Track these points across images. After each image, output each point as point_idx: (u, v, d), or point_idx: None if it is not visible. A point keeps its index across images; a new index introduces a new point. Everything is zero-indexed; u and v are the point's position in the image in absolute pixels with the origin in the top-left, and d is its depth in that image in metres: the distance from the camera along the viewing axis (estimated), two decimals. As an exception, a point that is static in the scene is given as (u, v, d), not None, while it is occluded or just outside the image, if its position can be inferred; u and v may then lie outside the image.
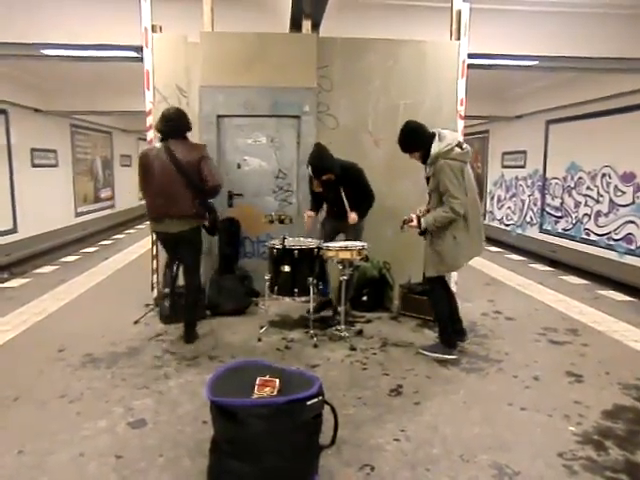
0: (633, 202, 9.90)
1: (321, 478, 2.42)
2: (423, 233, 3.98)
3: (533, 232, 13.66)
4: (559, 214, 12.44)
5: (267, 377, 2.33)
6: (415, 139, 3.95)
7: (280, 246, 4.40)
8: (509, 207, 15.19)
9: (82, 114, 14.58)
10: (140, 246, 9.17)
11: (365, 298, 5.23)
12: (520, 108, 13.57)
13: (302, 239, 4.70)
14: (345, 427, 2.78)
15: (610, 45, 7.41)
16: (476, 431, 2.93)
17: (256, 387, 2.28)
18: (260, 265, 5.24)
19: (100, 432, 2.88)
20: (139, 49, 5.54)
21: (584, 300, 5.82)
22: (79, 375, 3.65)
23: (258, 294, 5.26)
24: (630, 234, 10.02)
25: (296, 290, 4.41)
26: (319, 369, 3.77)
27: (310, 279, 4.32)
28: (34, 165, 12.54)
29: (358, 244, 4.40)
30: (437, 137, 3.83)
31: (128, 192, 19.40)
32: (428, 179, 3.97)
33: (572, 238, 11.83)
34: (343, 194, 4.66)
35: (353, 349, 4.18)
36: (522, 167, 14.24)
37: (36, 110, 12.41)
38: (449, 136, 3.86)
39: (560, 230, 12.37)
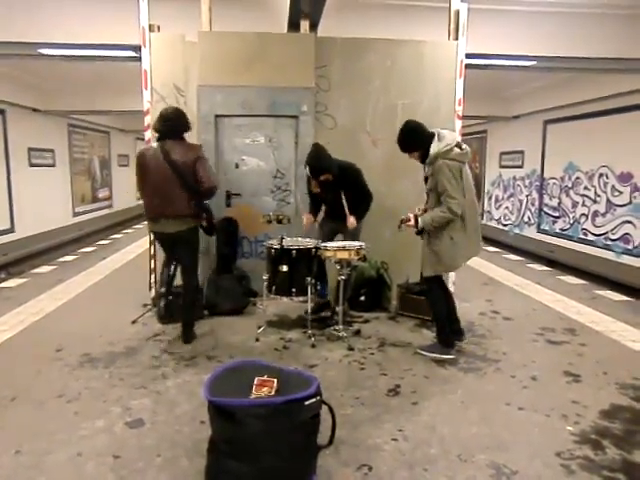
0: (630, 202, 9.93)
1: (319, 478, 2.42)
2: (420, 233, 3.98)
3: (531, 232, 13.69)
4: (557, 214, 12.46)
5: (265, 377, 2.33)
6: (414, 139, 3.95)
7: (278, 246, 4.40)
8: (507, 207, 15.21)
9: (80, 114, 14.56)
10: (138, 246, 9.17)
11: (363, 298, 5.23)
12: (518, 108, 13.59)
13: (300, 239, 4.70)
14: (343, 427, 2.78)
15: (608, 45, 7.43)
16: (474, 431, 2.93)
17: (254, 387, 2.28)
18: (258, 265, 5.24)
19: (98, 432, 2.88)
20: (137, 49, 5.53)
21: (582, 300, 5.83)
22: (77, 375, 3.64)
23: (256, 294, 5.25)
24: (627, 234, 10.04)
25: (294, 290, 4.41)
26: (317, 369, 3.77)
27: (308, 279, 4.32)
28: (31, 165, 12.52)
29: (356, 244, 4.40)
30: (436, 137, 3.84)
31: (126, 192, 19.38)
32: (426, 179, 3.97)
33: (570, 238, 11.85)
34: (344, 198, 4.66)
35: (351, 349, 4.18)
36: (520, 167, 14.26)
37: (34, 110, 12.39)
38: (448, 136, 3.86)
39: (558, 230, 12.39)
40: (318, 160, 4.58)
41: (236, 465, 2.21)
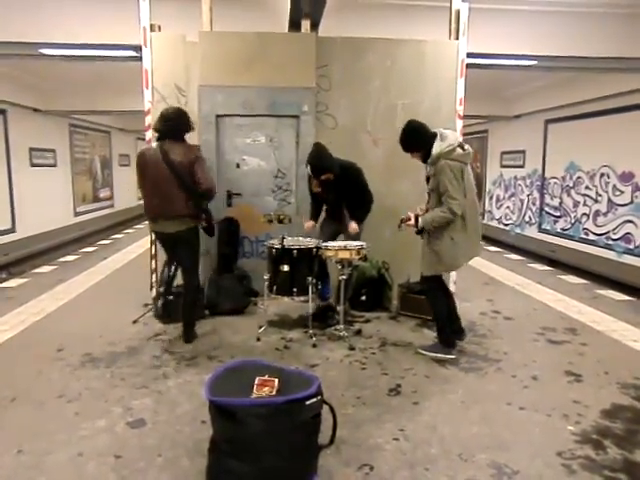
0: (632, 202, 9.92)
1: (320, 478, 2.42)
2: (420, 232, 3.98)
3: (532, 232, 13.67)
4: (558, 214, 12.45)
5: (266, 377, 2.33)
6: (417, 139, 3.94)
7: (279, 246, 4.40)
8: (508, 207, 15.20)
9: (81, 114, 14.57)
10: (139, 246, 9.17)
11: (364, 298, 5.22)
12: (519, 108, 13.58)
13: (301, 239, 4.70)
14: (344, 427, 2.78)
15: (609, 45, 7.42)
16: (475, 431, 2.93)
17: (255, 387, 2.28)
18: (259, 265, 5.24)
19: (99, 432, 2.88)
20: (138, 48, 5.53)
21: (583, 300, 5.83)
22: (78, 375, 3.64)
23: (257, 294, 5.25)
24: (628, 233, 10.03)
25: (295, 290, 4.42)
26: (318, 369, 3.76)
27: (309, 279, 4.32)
28: (33, 165, 12.53)
29: (357, 244, 4.40)
30: (439, 137, 3.83)
31: (127, 192, 19.39)
32: (428, 178, 3.97)
33: (571, 238, 11.84)
34: (344, 207, 4.66)
35: (352, 349, 4.18)
36: (521, 167, 14.25)
37: (35, 110, 12.40)
38: (451, 136, 3.85)
39: (559, 230, 12.38)
40: (319, 159, 4.58)
41: (237, 465, 2.22)
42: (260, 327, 4.54)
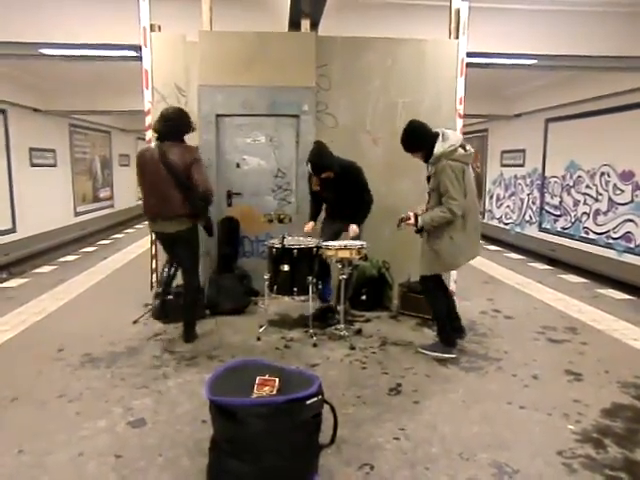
0: (632, 200, 9.91)
1: (321, 477, 2.42)
2: (420, 231, 3.98)
3: (532, 231, 13.66)
4: (558, 213, 12.44)
5: (266, 376, 2.33)
6: (418, 139, 3.94)
7: (279, 245, 4.40)
8: (508, 206, 15.19)
9: (81, 114, 14.56)
10: (139, 246, 9.17)
11: (364, 297, 5.23)
12: (519, 107, 13.57)
13: (301, 238, 4.70)
14: (344, 426, 2.78)
15: (609, 43, 7.41)
16: (475, 430, 2.93)
17: (255, 386, 2.28)
18: (259, 264, 5.23)
19: (99, 432, 2.88)
20: (138, 48, 5.53)
21: (583, 299, 5.83)
22: (78, 375, 3.65)
23: (257, 293, 5.26)
24: (629, 232, 10.02)
25: (295, 289, 4.41)
26: (318, 368, 3.77)
27: (309, 278, 4.32)
28: (33, 165, 12.53)
29: (357, 243, 4.40)
30: (441, 137, 3.82)
31: (127, 192, 19.39)
32: (429, 178, 3.97)
33: (571, 237, 11.83)
34: (344, 207, 4.67)
35: (352, 348, 4.18)
36: (521, 166, 14.24)
37: (35, 110, 12.39)
38: (453, 137, 3.85)
39: (559, 229, 12.37)
40: (320, 157, 4.58)
41: (238, 464, 2.22)
42: (260, 327, 4.54)
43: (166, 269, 4.84)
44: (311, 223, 4.96)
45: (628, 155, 9.87)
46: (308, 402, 2.24)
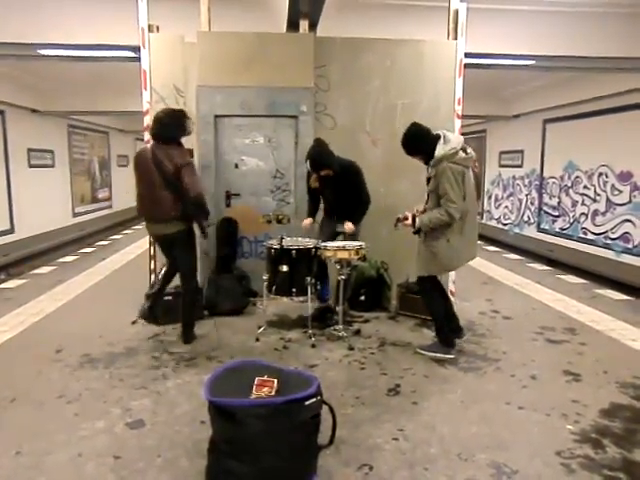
0: (630, 201, 9.93)
1: (320, 478, 2.42)
2: (417, 232, 3.99)
3: (531, 231, 13.69)
4: (556, 213, 12.46)
5: (265, 377, 2.33)
6: (419, 142, 3.94)
7: (278, 246, 4.40)
8: (506, 206, 15.21)
9: (80, 114, 14.55)
10: (137, 246, 9.16)
11: (363, 298, 5.23)
12: (517, 107, 13.60)
13: (300, 239, 4.70)
14: (343, 427, 2.78)
15: (607, 44, 7.42)
16: (474, 430, 2.93)
17: (254, 387, 2.28)
18: (258, 265, 5.24)
19: (98, 432, 2.88)
20: (137, 49, 5.53)
21: (582, 299, 5.83)
22: (77, 376, 3.64)
23: (256, 294, 5.25)
24: (627, 233, 10.04)
25: (294, 290, 4.41)
26: (317, 369, 3.77)
27: (308, 279, 4.32)
28: (31, 165, 12.52)
29: (356, 244, 4.40)
30: (442, 139, 3.82)
31: (125, 192, 19.35)
32: (428, 179, 3.97)
33: (569, 237, 11.85)
34: (342, 206, 4.67)
35: (351, 349, 4.18)
36: (519, 166, 14.26)
37: (33, 110, 12.38)
38: (454, 139, 3.85)
39: (557, 229, 12.39)
40: (320, 155, 4.58)
41: (236, 465, 2.22)
42: (259, 327, 4.54)
43: (163, 270, 4.82)
44: (309, 219, 4.96)
45: (626, 156, 9.89)
46: (307, 403, 2.24)
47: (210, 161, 5.46)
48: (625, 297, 6.18)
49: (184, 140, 4.24)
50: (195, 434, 2.84)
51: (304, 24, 5.95)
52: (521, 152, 14.14)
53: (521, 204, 14.27)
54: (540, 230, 13.19)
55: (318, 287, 4.62)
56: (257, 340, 4.39)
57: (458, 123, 5.50)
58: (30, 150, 12.44)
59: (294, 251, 4.39)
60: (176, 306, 4.52)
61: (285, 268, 4.39)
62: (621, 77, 9.12)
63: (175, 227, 4.11)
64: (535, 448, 2.75)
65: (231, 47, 5.37)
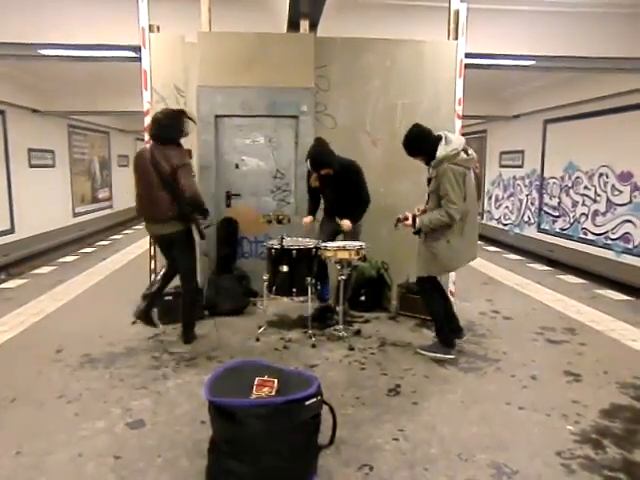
0: (630, 201, 9.93)
1: (320, 478, 2.42)
2: (417, 233, 3.99)
3: (531, 232, 13.69)
4: (557, 213, 12.46)
5: (265, 377, 2.33)
6: (420, 143, 3.94)
7: (278, 246, 4.40)
8: (507, 207, 15.21)
9: (80, 114, 14.56)
10: (138, 246, 9.16)
11: (363, 298, 5.23)
12: (518, 108, 13.60)
13: (300, 239, 4.70)
14: (344, 427, 2.78)
15: (608, 45, 7.42)
16: (474, 430, 2.93)
17: (254, 387, 2.28)
18: (258, 265, 5.24)
19: (98, 432, 2.88)
20: (137, 49, 5.53)
21: (582, 299, 5.83)
22: (77, 375, 3.64)
23: (256, 294, 5.25)
24: (627, 233, 10.04)
25: (294, 290, 4.41)
26: (317, 369, 3.77)
27: (308, 279, 4.32)
28: (31, 165, 12.52)
29: (356, 244, 4.40)
30: (444, 140, 3.82)
31: (126, 192, 19.35)
32: (429, 180, 3.97)
33: (570, 237, 11.85)
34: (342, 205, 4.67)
35: (351, 349, 4.18)
36: (520, 167, 14.26)
37: (34, 110, 12.39)
38: (456, 141, 3.85)
39: (558, 229, 12.39)
40: (320, 154, 4.59)
41: (237, 465, 2.22)
42: (259, 327, 4.54)
43: (162, 271, 4.79)
44: (310, 217, 4.96)
45: (627, 156, 9.89)
46: (307, 403, 2.24)
47: (210, 161, 5.46)
48: (625, 297, 6.18)
49: (184, 139, 4.23)
50: (195, 434, 2.84)
51: (304, 24, 5.96)
52: (521, 152, 14.15)
53: (521, 204, 14.27)
54: (540, 230, 13.20)
55: (318, 287, 4.62)
56: (257, 340, 4.39)
57: (458, 123, 5.50)
58: (30, 150, 12.45)
59: (294, 251, 4.39)
60: (176, 306, 4.52)
61: (285, 268, 4.39)
62: (621, 77, 9.12)
63: (173, 227, 4.10)
64: (535, 448, 2.75)
65: (232, 47, 5.37)
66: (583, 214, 11.40)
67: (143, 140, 5.42)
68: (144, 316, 4.43)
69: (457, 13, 5.40)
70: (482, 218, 15.91)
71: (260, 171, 5.65)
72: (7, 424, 2.99)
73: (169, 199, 4.01)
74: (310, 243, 4.53)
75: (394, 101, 5.59)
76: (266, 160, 5.64)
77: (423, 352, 4.08)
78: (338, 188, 4.72)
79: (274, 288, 4.46)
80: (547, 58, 7.79)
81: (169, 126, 4.10)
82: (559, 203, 12.33)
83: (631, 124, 9.69)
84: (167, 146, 4.06)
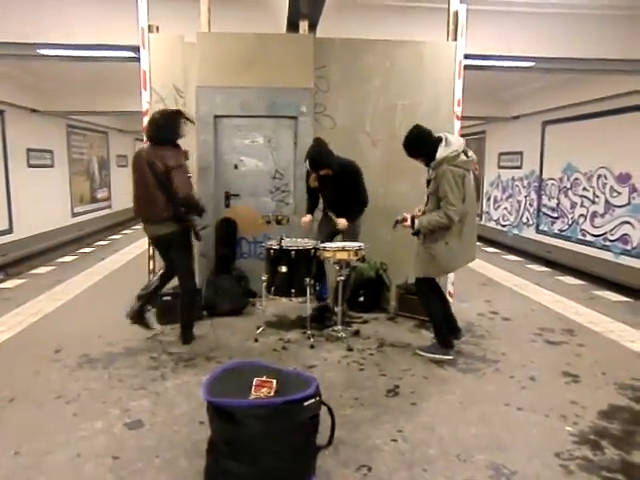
0: (629, 203, 9.95)
1: (318, 479, 2.42)
2: (416, 234, 3.99)
3: (529, 233, 13.70)
4: (555, 215, 12.48)
5: (264, 378, 2.33)
6: (421, 144, 3.94)
7: (277, 247, 4.40)
8: (505, 208, 15.23)
9: (79, 114, 14.55)
10: (137, 246, 9.16)
11: (362, 299, 5.23)
12: (517, 109, 13.62)
13: (299, 240, 4.70)
14: (342, 427, 2.78)
15: (606, 46, 7.44)
16: (473, 431, 2.94)
17: (253, 388, 2.28)
18: (257, 266, 5.23)
19: (97, 433, 2.88)
20: (136, 49, 5.53)
21: (580, 300, 5.84)
22: (76, 376, 3.64)
23: (255, 294, 5.25)
24: (626, 235, 10.06)
25: (293, 291, 4.41)
26: (316, 370, 3.77)
27: (307, 280, 4.32)
28: (30, 165, 12.51)
29: (355, 245, 4.41)
30: (444, 142, 3.83)
31: (125, 192, 19.35)
32: (429, 181, 3.97)
33: (568, 239, 11.87)
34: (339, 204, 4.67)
35: (350, 350, 4.18)
36: (519, 168, 14.28)
37: (33, 110, 12.38)
38: (456, 143, 3.86)
39: (556, 231, 12.41)
40: (319, 154, 4.58)
41: (235, 466, 2.21)
42: (258, 328, 4.54)
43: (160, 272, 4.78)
44: (309, 216, 4.95)
45: (625, 158, 9.91)
46: (306, 403, 2.24)
47: (209, 162, 5.46)
48: (624, 298, 6.19)
49: (182, 140, 4.22)
50: (194, 434, 2.83)
51: (304, 25, 5.96)
52: (520, 153, 14.17)
53: (520, 205, 14.29)
54: (539, 231, 13.21)
55: (317, 288, 4.62)
56: (256, 341, 4.38)
57: (458, 124, 5.50)
58: (29, 150, 12.44)
59: (293, 252, 4.38)
60: (175, 307, 4.52)
61: (284, 269, 4.38)
62: (620, 79, 9.13)
63: (169, 228, 4.10)
64: (534, 449, 2.75)
65: (231, 47, 5.37)
66: (582, 215, 11.42)
67: (142, 140, 5.39)
68: (137, 317, 4.39)
69: (456, 14, 5.41)
70: (481, 219, 15.93)
71: (259, 171, 5.65)
72: (6, 424, 2.99)
73: (164, 200, 4.01)
74: (309, 244, 4.53)
75: (394, 102, 5.59)
76: (265, 160, 5.64)
77: (422, 353, 4.08)
78: (337, 188, 4.72)
79: (273, 289, 4.45)
80: (546, 59, 7.81)
81: (166, 127, 4.10)
82: (558, 204, 12.35)
83: (629, 125, 9.71)
84: (164, 147, 4.06)
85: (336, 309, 4.58)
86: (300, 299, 4.44)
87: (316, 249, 4.44)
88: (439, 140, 3.85)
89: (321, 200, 5.04)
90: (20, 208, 11.77)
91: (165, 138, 4.09)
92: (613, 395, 3.43)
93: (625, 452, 2.74)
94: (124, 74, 9.40)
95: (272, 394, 2.26)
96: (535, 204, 13.38)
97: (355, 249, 4.31)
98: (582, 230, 11.39)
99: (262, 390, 2.27)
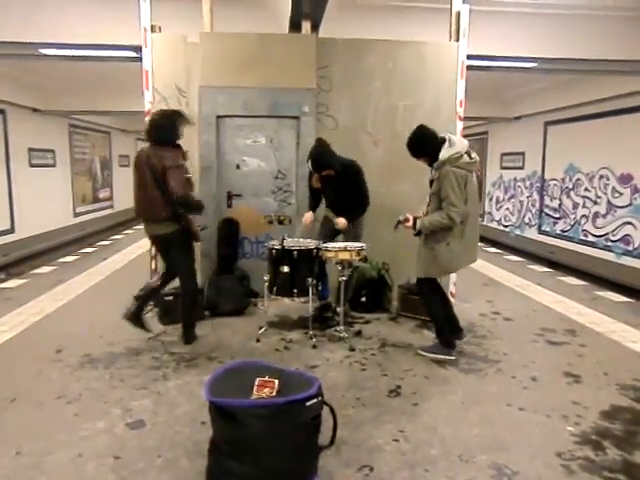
0: (631, 203, 9.94)
1: (320, 479, 2.42)
2: (418, 234, 3.99)
3: (531, 233, 13.69)
4: (557, 215, 12.46)
5: (266, 378, 2.33)
6: (424, 145, 3.94)
7: (279, 247, 4.40)
8: (507, 208, 15.21)
9: (81, 114, 14.57)
10: (138, 246, 9.15)
11: (364, 299, 5.22)
12: (519, 109, 13.60)
13: (301, 240, 4.70)
14: (344, 428, 2.78)
15: (609, 47, 7.43)
16: (475, 432, 2.93)
17: (255, 388, 2.28)
18: (259, 266, 5.23)
19: (98, 433, 2.88)
20: (138, 49, 5.53)
21: (582, 301, 5.83)
22: (77, 376, 3.64)
23: (257, 295, 5.25)
24: (628, 235, 10.05)
25: (295, 291, 4.41)
26: (318, 370, 3.76)
27: (309, 280, 4.32)
28: (32, 165, 12.53)
29: (357, 245, 4.40)
30: (447, 143, 3.82)
31: (127, 192, 19.37)
32: (432, 182, 3.97)
33: (570, 239, 11.86)
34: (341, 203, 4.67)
35: (352, 350, 4.18)
36: (521, 168, 14.27)
37: (35, 110, 12.39)
38: (459, 144, 3.85)
39: (558, 231, 12.39)
40: (321, 155, 4.58)
41: (237, 466, 2.21)
42: (260, 328, 4.54)
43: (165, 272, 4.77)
44: (310, 212, 4.95)
45: (627, 158, 9.90)
46: (308, 403, 2.24)
47: (212, 162, 5.46)
48: (626, 299, 6.18)
49: (184, 140, 4.22)
50: (195, 434, 2.83)
51: (306, 25, 5.96)
52: (522, 154, 14.16)
53: (522, 206, 14.27)
54: (541, 232, 13.20)
55: (319, 288, 4.62)
56: (258, 341, 4.38)
57: (460, 125, 5.50)
58: (31, 150, 12.45)
59: (295, 252, 4.38)
60: (176, 307, 4.52)
61: (286, 269, 4.38)
62: (622, 79, 9.12)
63: (168, 228, 4.10)
64: (536, 449, 2.75)
65: (233, 48, 5.37)
66: (584, 216, 11.41)
67: (144, 140, 5.42)
68: (134, 318, 4.35)
69: (459, 15, 5.41)
70: (483, 219, 15.92)
71: (261, 172, 5.65)
72: (7, 424, 2.99)
73: (163, 200, 4.02)
74: (311, 244, 4.52)
75: (396, 102, 5.59)
76: (267, 161, 5.65)
77: (424, 353, 4.08)
78: (339, 188, 4.72)
79: (275, 289, 4.45)
80: (548, 60, 7.80)
81: (165, 127, 4.10)
82: (560, 205, 12.34)
83: (631, 126, 9.70)
84: (163, 147, 4.06)
85: (338, 309, 4.58)
86: (302, 299, 4.44)
87: (318, 249, 4.44)
88: (443, 141, 3.84)
89: (324, 200, 5.04)
90: (22, 208, 11.78)
91: (164, 138, 4.09)
92: (615, 395, 3.42)
93: (627, 452, 2.74)
94: (126, 74, 9.40)
95: (274, 394, 2.26)
96: (537, 204, 13.37)
97: (357, 249, 4.31)
98: (584, 231, 11.38)
99: (264, 390, 2.27)
